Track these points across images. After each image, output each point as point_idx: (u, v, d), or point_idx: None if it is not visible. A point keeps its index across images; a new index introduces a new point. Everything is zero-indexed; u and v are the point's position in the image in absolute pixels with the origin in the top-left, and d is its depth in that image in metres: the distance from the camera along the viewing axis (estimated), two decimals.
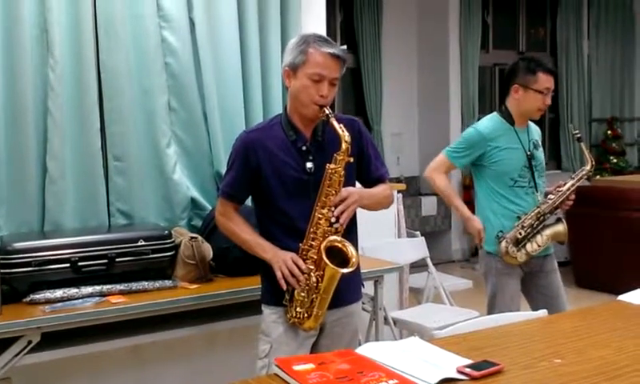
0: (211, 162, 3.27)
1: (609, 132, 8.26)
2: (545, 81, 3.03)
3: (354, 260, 2.16)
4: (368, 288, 3.05)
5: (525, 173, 3.05)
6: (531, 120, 3.18)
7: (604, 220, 5.65)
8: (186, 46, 3.18)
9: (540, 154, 3.16)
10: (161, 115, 3.14)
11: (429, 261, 4.11)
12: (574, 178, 3.09)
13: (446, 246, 7.42)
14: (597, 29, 8.39)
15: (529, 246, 3.01)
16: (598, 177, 6.93)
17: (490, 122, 3.13)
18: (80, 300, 2.52)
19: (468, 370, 1.62)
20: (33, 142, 2.87)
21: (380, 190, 2.39)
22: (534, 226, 3.01)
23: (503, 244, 3.00)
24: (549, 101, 3.07)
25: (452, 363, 1.66)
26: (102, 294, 2.58)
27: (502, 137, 3.06)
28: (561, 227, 3.08)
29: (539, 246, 3.02)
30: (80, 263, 2.62)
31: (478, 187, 3.16)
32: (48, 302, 2.49)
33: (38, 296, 2.51)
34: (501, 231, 3.03)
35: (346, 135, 2.17)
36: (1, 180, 2.82)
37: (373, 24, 7.21)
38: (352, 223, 2.29)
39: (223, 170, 2.55)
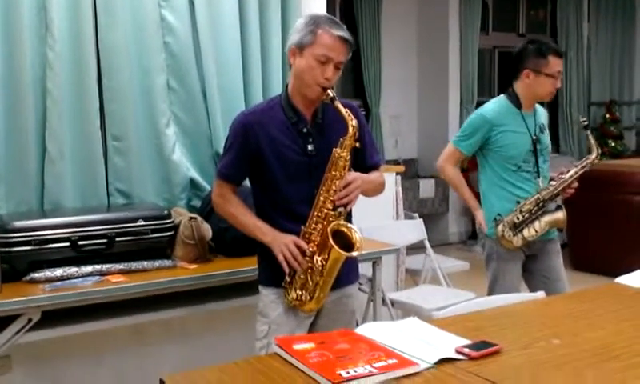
0: (210, 143, 3.26)
1: (607, 116, 8.25)
2: (555, 64, 2.99)
3: (358, 244, 2.16)
4: (366, 269, 3.07)
5: (529, 157, 3.02)
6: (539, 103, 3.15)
7: (601, 203, 5.66)
8: (185, 25, 3.16)
9: (546, 137, 3.12)
10: (160, 95, 3.13)
11: (427, 242, 4.13)
12: (577, 166, 3.05)
13: (443, 228, 7.44)
14: (597, 11, 8.36)
15: (526, 232, 2.98)
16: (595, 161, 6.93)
17: (495, 105, 3.09)
18: (80, 279, 2.53)
19: (466, 350, 1.63)
20: (32, 121, 2.86)
21: (375, 176, 2.39)
22: (533, 211, 2.99)
23: (500, 227, 3.00)
24: (559, 84, 3.04)
25: (450, 343, 1.68)
26: (101, 274, 2.58)
27: (507, 120, 3.02)
28: (560, 215, 3.04)
29: (536, 231, 2.99)
30: (80, 242, 2.63)
31: (482, 172, 3.13)
32: (48, 280, 2.50)
33: (37, 275, 2.51)
34: (499, 214, 3.02)
35: (352, 119, 2.17)
36: (0, 159, 2.82)
37: (372, 6, 7.16)
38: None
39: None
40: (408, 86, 7.67)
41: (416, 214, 4.44)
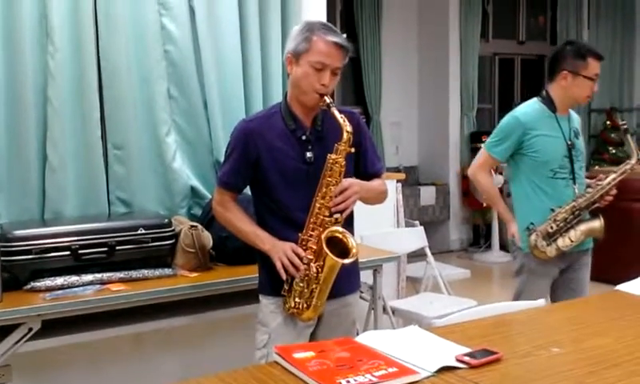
0: (211, 151, 3.26)
1: (608, 122, 8.26)
2: (595, 66, 2.89)
3: (354, 251, 2.16)
4: (367, 277, 3.07)
5: (565, 163, 2.90)
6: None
7: (602, 210, 5.64)
8: (185, 34, 3.17)
9: (580, 142, 3.01)
10: (160, 103, 3.13)
11: (427, 250, 4.12)
12: (616, 172, 2.94)
13: (444, 235, 7.44)
14: (597, 18, 8.38)
15: (560, 241, 2.85)
16: (596, 167, 6.94)
17: (528, 108, 2.97)
18: (80, 288, 2.53)
19: (467, 359, 1.62)
20: (33, 129, 2.87)
21: (376, 184, 2.39)
22: (568, 220, 2.86)
23: (532, 237, 2.86)
24: (596, 87, 2.94)
25: (451, 352, 1.67)
26: (102, 282, 2.58)
27: (541, 124, 2.90)
28: (597, 223, 2.93)
29: (572, 241, 2.86)
30: (80, 251, 2.62)
31: (514, 181, 3.02)
32: (48, 289, 2.50)
33: (38, 283, 2.51)
34: (532, 223, 2.89)
35: (347, 125, 2.16)
36: (1, 167, 2.82)
37: (373, 13, 7.19)
38: (349, 213, 2.27)
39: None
40: (408, 93, 7.69)
41: (417, 222, 4.44)
